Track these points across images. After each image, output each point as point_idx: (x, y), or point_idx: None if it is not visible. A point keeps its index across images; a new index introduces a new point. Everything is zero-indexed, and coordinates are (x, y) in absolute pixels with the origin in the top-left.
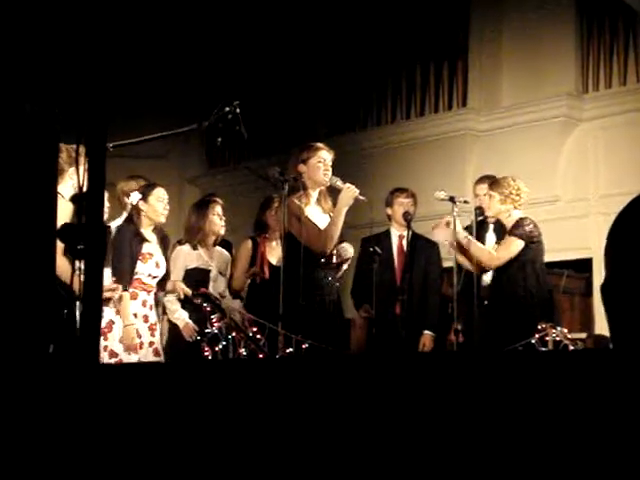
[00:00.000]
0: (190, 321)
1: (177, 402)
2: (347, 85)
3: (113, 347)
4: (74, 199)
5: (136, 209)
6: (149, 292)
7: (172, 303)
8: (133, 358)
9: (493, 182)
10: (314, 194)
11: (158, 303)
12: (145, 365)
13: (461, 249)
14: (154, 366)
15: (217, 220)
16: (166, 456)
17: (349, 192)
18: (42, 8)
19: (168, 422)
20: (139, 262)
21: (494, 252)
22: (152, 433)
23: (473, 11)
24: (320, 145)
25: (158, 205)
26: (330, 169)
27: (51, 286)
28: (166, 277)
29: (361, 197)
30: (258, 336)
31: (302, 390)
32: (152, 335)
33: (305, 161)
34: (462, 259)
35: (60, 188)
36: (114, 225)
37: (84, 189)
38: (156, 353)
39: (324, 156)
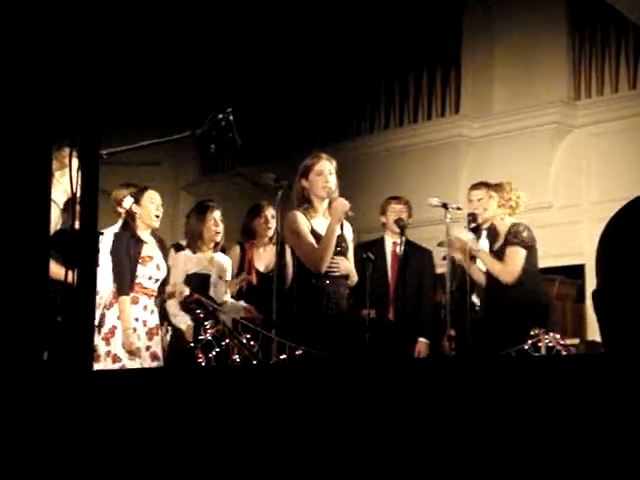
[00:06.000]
0: (192, 323)
1: (170, 408)
2: (341, 92)
3: (116, 352)
4: (67, 205)
5: (130, 213)
6: (150, 296)
7: (173, 307)
8: (136, 363)
9: (496, 185)
10: (320, 207)
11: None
12: (139, 371)
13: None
14: (147, 372)
15: (212, 227)
16: (158, 463)
17: (340, 206)
18: (36, 16)
19: (161, 429)
20: (139, 265)
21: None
22: (145, 440)
23: (465, 19)
24: (320, 155)
25: (151, 207)
26: (330, 179)
27: (45, 292)
28: (166, 281)
29: (350, 212)
30: (252, 343)
31: (295, 397)
32: (150, 339)
33: (306, 175)
34: (477, 275)
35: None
36: (109, 232)
37: (77, 194)
38: (154, 358)
39: (322, 167)
